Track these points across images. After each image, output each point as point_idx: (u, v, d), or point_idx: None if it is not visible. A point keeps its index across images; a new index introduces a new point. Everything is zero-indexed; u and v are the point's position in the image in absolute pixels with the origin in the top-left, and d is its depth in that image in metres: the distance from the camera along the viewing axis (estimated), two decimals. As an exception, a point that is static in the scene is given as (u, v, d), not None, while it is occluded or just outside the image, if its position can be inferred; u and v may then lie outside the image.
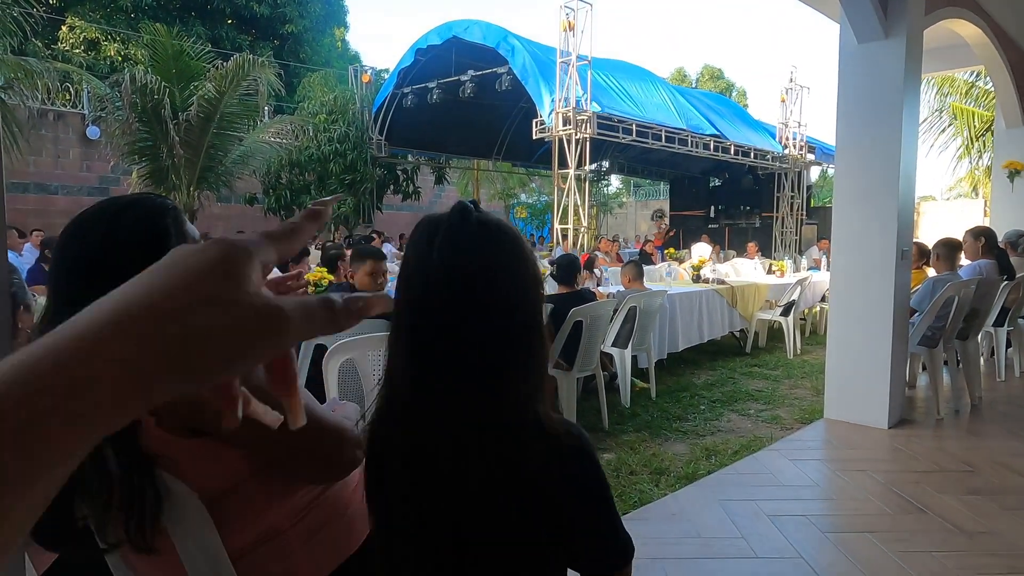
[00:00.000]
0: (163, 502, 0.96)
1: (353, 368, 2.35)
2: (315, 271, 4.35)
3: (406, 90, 12.54)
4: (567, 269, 4.42)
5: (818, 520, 2.83)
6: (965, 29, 5.65)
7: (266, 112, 13.29)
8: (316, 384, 2.41)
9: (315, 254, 6.98)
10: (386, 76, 14.50)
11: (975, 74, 11.15)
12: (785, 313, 6.79)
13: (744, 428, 4.23)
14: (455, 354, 0.85)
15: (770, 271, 8.71)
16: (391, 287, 4.52)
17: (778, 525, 2.75)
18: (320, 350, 3.02)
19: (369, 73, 13.81)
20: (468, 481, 0.85)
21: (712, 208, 16.21)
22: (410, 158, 15.43)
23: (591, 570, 0.89)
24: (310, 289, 4.07)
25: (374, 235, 11.00)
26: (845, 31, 4.09)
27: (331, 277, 4.24)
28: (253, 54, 13.78)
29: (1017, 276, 5.29)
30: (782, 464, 3.49)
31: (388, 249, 10.63)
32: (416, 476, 0.89)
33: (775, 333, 7.29)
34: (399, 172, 15.10)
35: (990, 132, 10.21)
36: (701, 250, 10.39)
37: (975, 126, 12.94)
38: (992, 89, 7.72)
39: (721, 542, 2.63)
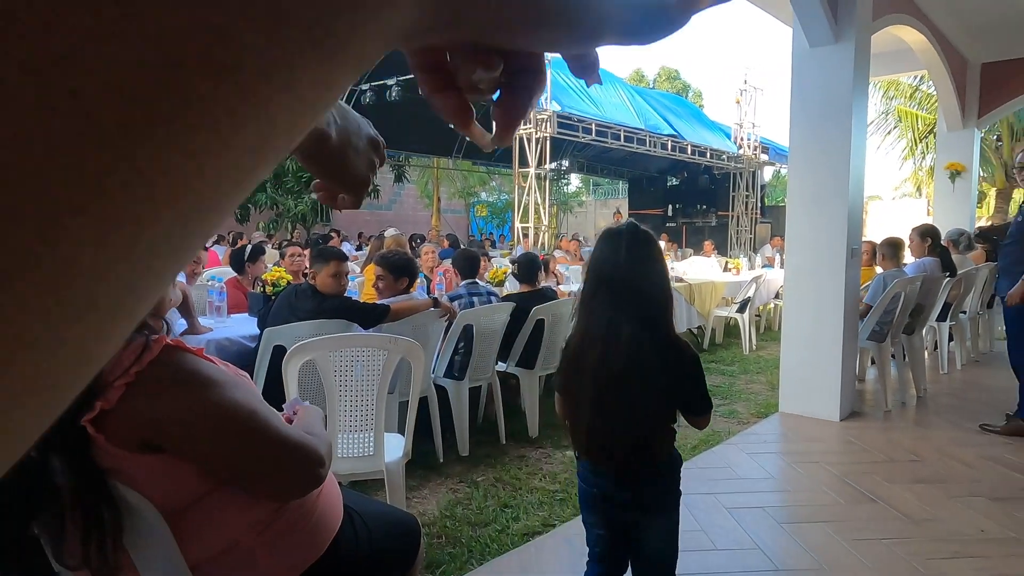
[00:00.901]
0: (123, 519, 0.92)
1: (313, 369, 2.31)
2: (272, 270, 4.26)
3: (364, 87, 12.39)
4: (528, 268, 4.43)
5: (775, 512, 2.90)
6: (910, 35, 5.86)
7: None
8: (275, 386, 2.36)
9: (271, 253, 6.84)
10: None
11: (919, 78, 11.59)
12: (741, 310, 6.94)
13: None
14: (633, 305, 1.53)
15: (726, 269, 8.89)
16: (353, 286, 4.46)
17: (736, 517, 2.81)
18: (279, 351, 2.97)
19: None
20: (641, 369, 1.52)
21: (670, 207, 16.48)
22: (369, 156, 15.24)
23: (692, 410, 1.60)
24: (268, 289, 3.99)
25: (333, 233, 10.83)
26: (797, 35, 4.20)
27: (289, 277, 4.16)
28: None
29: (959, 273, 5.52)
30: (740, 458, 3.57)
31: (347, 248, 10.49)
32: (604, 372, 1.54)
33: (731, 329, 7.44)
34: (358, 170, 14.91)
35: (933, 134, 10.62)
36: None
37: (919, 128, 13.45)
38: (935, 93, 8.03)
39: (681, 535, 2.67)
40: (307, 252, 5.87)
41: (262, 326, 3.35)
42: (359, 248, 12.54)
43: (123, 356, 0.93)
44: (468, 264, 4.30)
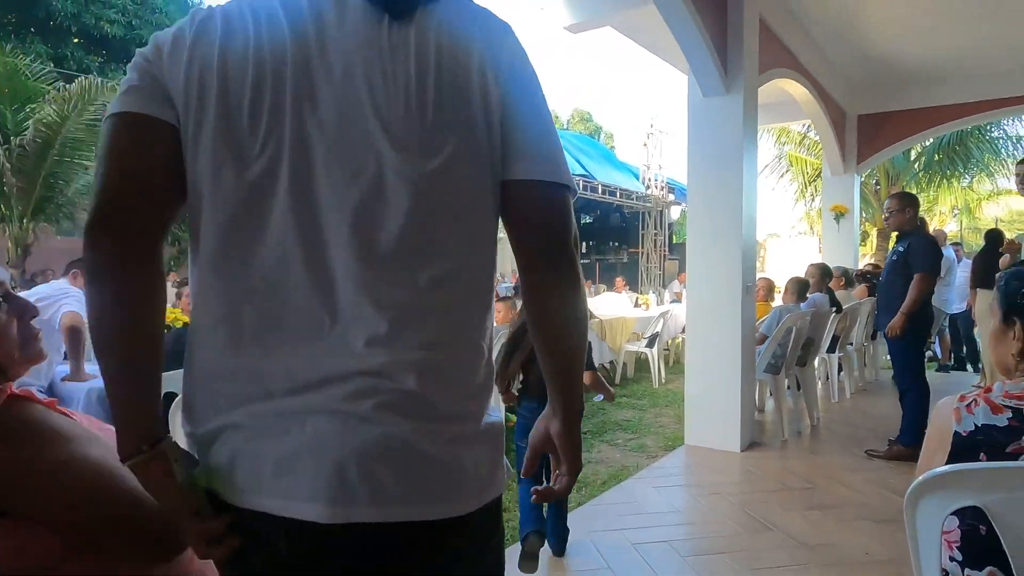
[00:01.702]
0: None
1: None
2: (168, 312, 4.05)
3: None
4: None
5: (679, 545, 2.96)
6: (794, 88, 6.35)
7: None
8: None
9: (170, 292, 6.48)
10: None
11: (806, 126, 12.53)
12: (650, 345, 7.15)
13: (613, 458, 4.37)
14: None
15: (636, 305, 9.17)
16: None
17: (642, 553, 2.85)
18: (170, 399, 2.80)
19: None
20: None
21: (583, 244, 16.91)
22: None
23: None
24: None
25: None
26: (692, 86, 4.46)
27: (185, 319, 3.95)
28: (103, 77, 12.83)
29: (844, 307, 5.92)
30: (647, 492, 3.64)
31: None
32: None
33: (642, 364, 7.65)
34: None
35: (820, 178, 11.47)
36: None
37: (807, 172, 14.48)
38: (819, 138, 8.70)
39: (586, 575, 2.68)
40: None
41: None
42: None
43: None
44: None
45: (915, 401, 4.22)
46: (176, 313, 3.95)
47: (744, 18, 4.34)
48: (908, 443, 4.16)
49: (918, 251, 4.23)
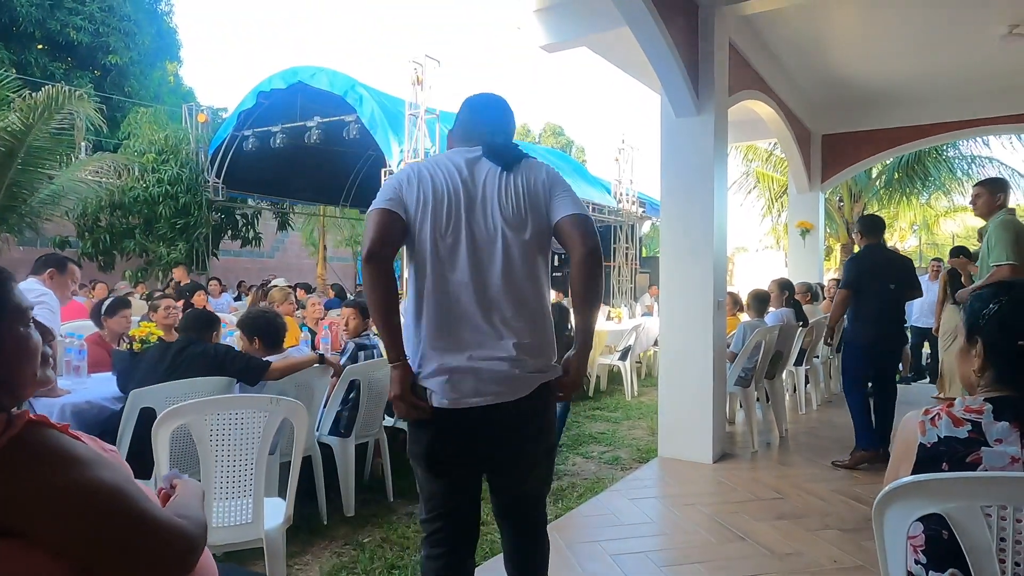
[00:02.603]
0: None
1: (187, 435, 2.19)
2: (141, 325, 3.99)
3: (247, 133, 12.03)
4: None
5: (654, 555, 3.03)
6: (762, 109, 6.55)
7: (84, 148, 12.10)
8: (144, 454, 2.20)
9: (139, 304, 6.37)
10: (224, 115, 13.83)
11: (773, 144, 12.86)
12: (623, 358, 7.25)
13: (588, 471, 4.43)
14: None
15: (609, 318, 9.27)
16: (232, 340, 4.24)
17: (619, 564, 2.90)
18: (147, 414, 2.77)
19: (206, 112, 13.09)
20: None
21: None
22: (250, 202, 14.72)
23: None
24: (136, 346, 3.73)
25: (213, 281, 10.25)
26: (665, 107, 4.59)
27: (160, 332, 3.91)
28: (68, 84, 12.59)
29: (810, 322, 6.09)
30: (622, 504, 3.70)
31: (226, 298, 9.98)
32: None
33: (615, 377, 7.74)
34: (238, 217, 14.34)
35: (786, 194, 11.76)
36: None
37: (774, 189, 14.85)
38: (786, 157, 8.96)
39: (568, 586, 2.72)
40: (180, 304, 5.55)
41: (125, 387, 3.12)
42: (238, 299, 11.96)
43: None
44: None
45: (853, 407, 4.55)
46: (150, 327, 3.90)
47: (715, 43, 4.48)
48: (864, 447, 4.38)
49: (843, 269, 4.80)
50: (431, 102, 10.18)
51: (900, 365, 8.50)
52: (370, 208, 1.72)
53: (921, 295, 4.80)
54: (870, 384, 4.59)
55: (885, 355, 4.58)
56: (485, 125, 1.89)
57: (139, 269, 12.63)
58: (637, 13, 3.85)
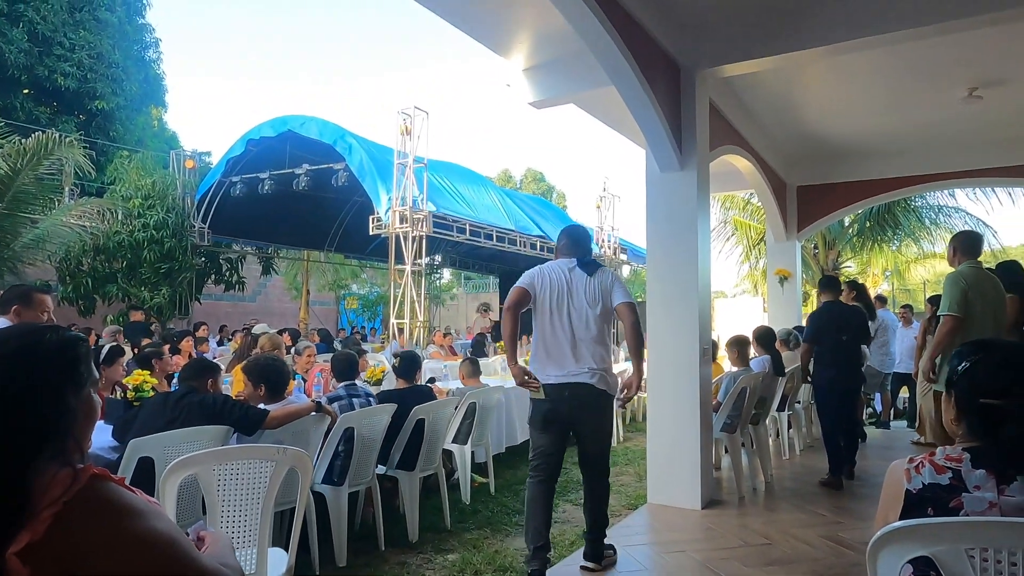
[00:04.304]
0: None
1: (194, 485, 2.22)
2: (134, 374, 4.00)
3: (235, 179, 12.16)
4: (409, 364, 4.51)
5: (649, 603, 3.05)
6: (740, 162, 6.82)
7: (69, 193, 12.12)
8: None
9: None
10: (209, 160, 13.96)
11: (750, 193, 13.26)
12: (608, 403, 7.29)
13: (578, 518, 4.44)
14: None
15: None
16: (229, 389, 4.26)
17: (615, 612, 2.93)
18: (146, 463, 2.78)
19: (194, 159, 13.21)
20: None
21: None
22: (235, 247, 14.74)
23: None
24: (129, 395, 3.74)
25: (201, 325, 10.20)
26: (650, 162, 4.79)
27: (154, 380, 3.93)
28: (55, 128, 12.66)
29: (789, 369, 6.22)
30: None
31: (211, 345, 9.91)
32: None
33: (600, 422, 7.76)
34: (223, 261, 14.34)
35: (763, 242, 12.08)
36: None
37: (752, 236, 15.23)
38: (763, 207, 9.25)
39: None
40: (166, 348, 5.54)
41: (121, 436, 3.13)
42: (220, 344, 11.87)
43: (51, 487, 0.93)
44: (347, 367, 4.29)
45: (825, 436, 5.40)
46: (144, 375, 3.91)
47: (696, 103, 4.72)
48: (830, 472, 5.22)
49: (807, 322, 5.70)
50: (419, 151, 10.41)
51: (880, 409, 8.66)
52: (515, 285, 3.29)
53: (869, 343, 5.77)
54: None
55: (844, 393, 5.36)
56: (578, 249, 3.46)
57: (120, 314, 12.51)
58: (623, 74, 4.07)
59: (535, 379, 3.14)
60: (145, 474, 2.73)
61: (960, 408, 1.45)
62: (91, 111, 19.00)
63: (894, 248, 17.57)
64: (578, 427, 3.24)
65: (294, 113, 11.37)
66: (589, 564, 3.38)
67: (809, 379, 5.68)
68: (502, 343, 11.95)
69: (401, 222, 10.17)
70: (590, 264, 3.36)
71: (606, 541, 3.52)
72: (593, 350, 3.18)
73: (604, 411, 3.28)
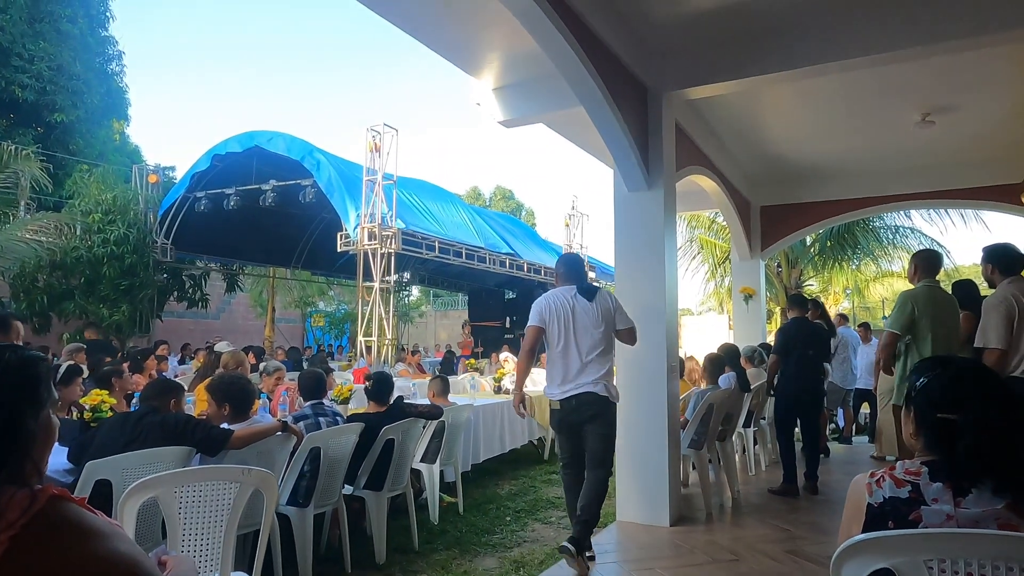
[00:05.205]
0: None
1: (153, 508, 2.16)
2: (92, 394, 3.87)
3: (200, 194, 11.96)
4: (381, 387, 4.45)
5: (618, 622, 3.05)
6: (705, 182, 6.96)
7: (25, 207, 11.78)
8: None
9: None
10: (172, 175, 13.72)
11: (715, 213, 13.52)
12: (578, 421, 7.30)
13: (548, 536, 4.43)
14: None
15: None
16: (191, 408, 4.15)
17: (585, 631, 2.91)
18: (103, 486, 2.69)
19: (157, 173, 12.97)
20: None
21: (508, 319, 17.18)
22: (199, 264, 14.47)
23: None
24: (87, 415, 3.62)
25: (161, 344, 9.94)
26: (618, 181, 4.86)
27: (112, 400, 3.81)
28: (11, 141, 12.32)
29: (754, 385, 6.32)
30: (584, 570, 3.71)
31: (171, 363, 9.68)
32: None
33: (569, 440, 7.76)
34: (186, 278, 14.05)
35: (728, 260, 12.30)
36: (506, 359, 10.80)
37: (717, 255, 15.51)
38: (728, 226, 9.43)
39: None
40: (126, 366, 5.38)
41: (77, 459, 3.03)
42: (182, 362, 11.59)
43: (8, 510, 0.90)
44: (315, 385, 4.22)
45: (781, 447, 5.70)
46: (103, 395, 3.78)
47: (663, 124, 4.81)
48: (788, 481, 5.45)
49: (775, 337, 5.96)
50: (388, 168, 10.39)
51: (842, 425, 8.84)
52: (528, 324, 3.81)
53: (830, 360, 6.16)
54: (797, 429, 5.79)
55: (807, 404, 5.65)
56: (575, 276, 3.92)
57: (77, 331, 12.14)
58: (592, 96, 4.13)
59: (527, 411, 4.13)
60: (102, 498, 2.64)
61: (918, 423, 1.50)
62: (50, 123, 18.53)
63: (854, 267, 18.05)
64: (584, 426, 3.71)
65: (261, 129, 11.26)
66: (571, 547, 3.53)
67: (772, 392, 5.90)
68: (472, 361, 11.91)
69: (370, 239, 10.12)
70: (589, 290, 3.84)
71: (587, 555, 3.76)
72: (597, 365, 3.70)
73: (605, 413, 3.70)
